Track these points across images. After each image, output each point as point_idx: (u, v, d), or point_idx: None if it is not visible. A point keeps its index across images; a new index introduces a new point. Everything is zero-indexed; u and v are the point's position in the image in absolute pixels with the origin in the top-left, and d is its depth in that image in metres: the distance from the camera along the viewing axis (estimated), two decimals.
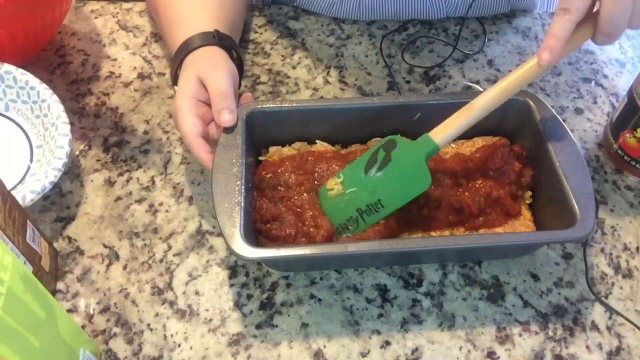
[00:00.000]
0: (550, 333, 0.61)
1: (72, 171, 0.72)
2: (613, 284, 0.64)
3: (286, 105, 0.67)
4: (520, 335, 0.61)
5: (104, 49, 0.84)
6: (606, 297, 0.63)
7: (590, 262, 0.66)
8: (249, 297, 0.63)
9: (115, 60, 0.83)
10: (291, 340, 0.60)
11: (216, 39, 0.68)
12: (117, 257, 0.65)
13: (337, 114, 0.67)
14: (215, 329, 0.61)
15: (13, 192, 0.59)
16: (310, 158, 0.65)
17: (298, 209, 0.62)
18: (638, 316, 0.62)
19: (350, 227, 0.62)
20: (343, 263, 0.65)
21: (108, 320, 0.61)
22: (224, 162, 0.61)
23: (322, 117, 0.67)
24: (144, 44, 0.85)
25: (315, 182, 0.64)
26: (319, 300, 0.63)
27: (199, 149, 0.61)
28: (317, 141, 0.69)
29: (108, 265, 0.65)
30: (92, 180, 0.71)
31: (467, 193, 0.63)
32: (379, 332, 0.61)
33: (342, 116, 0.67)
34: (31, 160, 0.70)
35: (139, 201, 0.70)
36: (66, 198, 0.70)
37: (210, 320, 0.61)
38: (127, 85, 0.80)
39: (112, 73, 0.82)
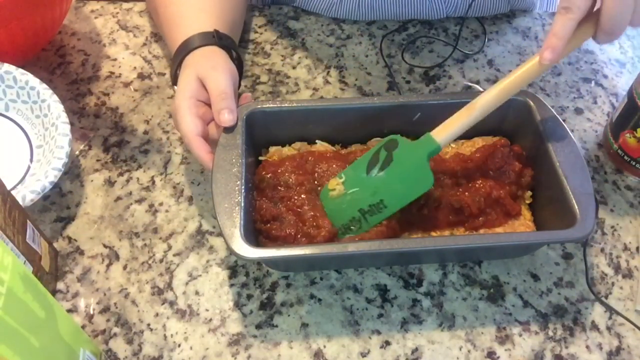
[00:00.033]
0: (550, 333, 0.61)
1: (72, 171, 0.72)
2: (613, 284, 0.64)
3: (286, 105, 0.67)
4: (520, 335, 0.61)
5: (104, 49, 0.84)
6: (606, 297, 0.63)
7: (590, 262, 0.66)
8: (249, 297, 0.63)
9: (115, 60, 0.83)
10: (291, 340, 0.60)
11: (216, 38, 0.68)
12: (117, 257, 0.65)
13: (337, 114, 0.67)
14: (215, 329, 0.61)
15: (13, 192, 0.59)
16: (310, 158, 0.65)
17: (298, 209, 0.62)
18: (638, 316, 0.62)
19: (353, 227, 0.62)
20: (343, 263, 0.65)
21: (108, 320, 0.61)
22: (224, 162, 0.61)
23: (322, 117, 0.67)
24: (144, 44, 0.85)
25: (315, 182, 0.64)
26: (319, 300, 0.63)
27: (198, 148, 0.61)
28: (317, 141, 0.69)
29: (108, 265, 0.65)
30: (92, 180, 0.71)
31: (467, 193, 0.63)
32: (379, 332, 0.61)
33: (342, 116, 0.67)
34: (31, 160, 0.70)
35: (139, 201, 0.70)
36: (66, 198, 0.70)
37: (210, 320, 0.61)
38: (127, 85, 0.80)
39: (112, 73, 0.82)
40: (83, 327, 0.61)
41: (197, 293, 0.63)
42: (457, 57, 0.84)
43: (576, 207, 0.58)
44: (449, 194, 0.63)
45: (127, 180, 0.71)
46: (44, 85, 0.71)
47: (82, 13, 0.89)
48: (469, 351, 0.60)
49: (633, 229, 0.68)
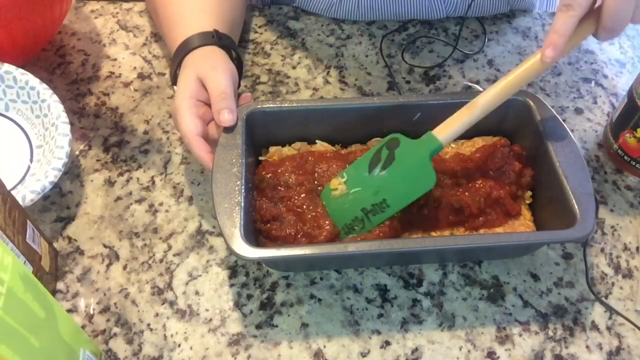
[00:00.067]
0: (550, 333, 0.61)
1: (72, 171, 0.72)
2: (613, 284, 0.64)
3: (286, 105, 0.67)
4: (520, 335, 0.61)
5: (104, 49, 0.84)
6: (606, 297, 0.63)
7: (590, 262, 0.66)
8: (249, 297, 0.63)
9: (115, 60, 0.83)
10: (291, 340, 0.60)
11: (215, 38, 0.68)
12: (117, 257, 0.65)
13: (337, 114, 0.67)
14: (215, 329, 0.61)
15: (13, 192, 0.59)
16: (310, 158, 0.65)
17: (298, 209, 0.62)
18: (638, 316, 0.62)
19: (356, 227, 0.61)
20: (343, 263, 0.65)
21: (108, 320, 0.61)
22: (224, 162, 0.61)
23: (322, 117, 0.67)
24: (144, 44, 0.85)
25: (315, 182, 0.64)
26: (319, 300, 0.63)
27: (198, 148, 0.61)
28: (317, 141, 0.69)
29: (108, 265, 0.65)
30: (92, 180, 0.71)
31: (467, 193, 0.63)
32: (379, 332, 0.61)
33: (342, 116, 0.67)
34: (31, 160, 0.70)
35: (139, 201, 0.70)
36: (66, 198, 0.70)
37: (210, 320, 0.61)
38: (127, 85, 0.80)
39: (112, 73, 0.82)
40: (83, 327, 0.61)
41: (197, 293, 0.63)
42: (457, 57, 0.84)
43: (576, 207, 0.58)
44: (449, 194, 0.63)
45: (127, 180, 0.71)
46: (44, 85, 0.71)
47: (82, 13, 0.89)
48: (469, 351, 0.60)
49: (633, 229, 0.68)
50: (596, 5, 0.55)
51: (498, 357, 0.59)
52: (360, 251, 0.57)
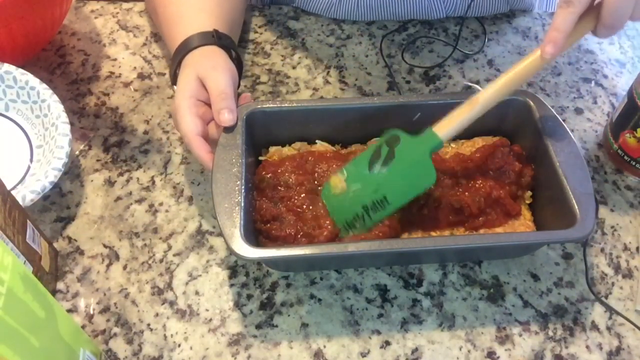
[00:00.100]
0: (550, 333, 0.61)
1: (72, 171, 0.72)
2: (613, 284, 0.64)
3: (286, 105, 0.67)
4: (520, 335, 0.61)
5: (104, 49, 0.84)
6: (606, 297, 0.63)
7: (590, 262, 0.66)
8: (249, 297, 0.63)
9: (115, 60, 0.83)
10: (291, 340, 0.60)
11: (215, 38, 0.68)
12: (117, 257, 0.65)
13: (337, 114, 0.67)
14: (215, 329, 0.61)
15: (13, 192, 0.59)
16: (310, 158, 0.65)
17: (298, 209, 0.62)
18: (638, 316, 0.62)
19: (356, 224, 0.61)
20: (343, 263, 0.65)
21: (108, 320, 0.61)
22: (224, 162, 0.61)
23: (322, 117, 0.67)
24: (144, 44, 0.85)
25: (315, 182, 0.64)
26: (319, 300, 0.63)
27: (198, 148, 0.61)
28: (317, 141, 0.69)
29: (108, 265, 0.65)
30: (92, 180, 0.71)
31: (467, 193, 0.63)
32: (379, 332, 0.61)
33: (342, 116, 0.67)
34: (31, 160, 0.70)
35: (139, 201, 0.70)
36: (66, 198, 0.70)
37: (210, 320, 0.61)
38: (127, 85, 0.80)
39: (112, 73, 0.82)
40: (83, 327, 0.61)
41: (197, 293, 0.63)
42: (457, 57, 0.84)
43: (576, 207, 0.58)
44: (449, 194, 0.63)
45: (127, 180, 0.71)
46: (44, 85, 0.71)
47: (82, 13, 0.89)
48: (469, 351, 0.60)
49: (633, 229, 0.68)
50: (596, 2, 0.55)
51: (498, 357, 0.59)
52: (360, 251, 0.57)
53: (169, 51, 0.72)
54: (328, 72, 0.82)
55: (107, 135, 0.75)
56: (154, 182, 0.71)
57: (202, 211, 0.69)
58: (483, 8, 0.88)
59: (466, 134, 0.69)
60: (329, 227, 0.61)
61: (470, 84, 0.81)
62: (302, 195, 0.63)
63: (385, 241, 0.59)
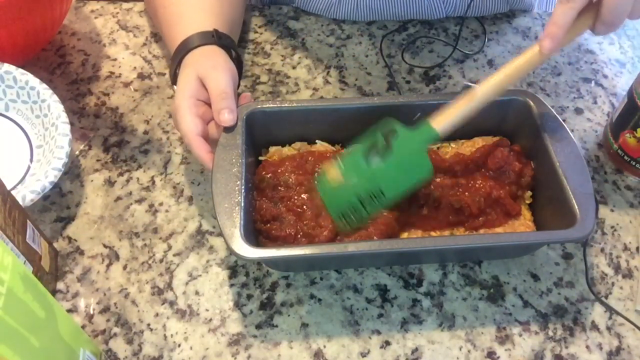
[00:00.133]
0: (550, 333, 0.61)
1: (72, 171, 0.72)
2: (613, 284, 0.64)
3: (286, 105, 0.67)
4: (520, 335, 0.61)
5: (104, 49, 0.84)
6: (606, 297, 0.63)
7: (590, 262, 0.66)
8: (249, 297, 0.63)
9: (115, 60, 0.83)
10: (291, 340, 0.60)
11: (215, 38, 0.68)
12: (117, 257, 0.65)
13: (337, 114, 0.67)
14: (215, 329, 0.61)
15: (13, 192, 0.59)
16: (310, 158, 0.65)
17: (298, 209, 0.62)
18: (638, 316, 0.62)
19: (351, 216, 0.61)
20: (343, 263, 0.65)
21: (108, 320, 0.61)
22: (224, 162, 0.61)
23: (322, 117, 0.67)
24: (144, 44, 0.85)
25: (315, 182, 0.64)
26: (319, 300, 0.63)
27: (198, 148, 0.61)
28: (317, 141, 0.69)
29: (108, 265, 0.65)
30: (92, 180, 0.71)
31: (467, 193, 0.63)
32: (379, 332, 0.61)
33: (342, 116, 0.67)
34: (31, 160, 0.70)
35: (139, 201, 0.70)
36: (66, 198, 0.70)
37: (210, 320, 0.61)
38: (127, 85, 0.80)
39: (112, 73, 0.82)
40: (83, 327, 0.61)
41: (197, 293, 0.63)
42: (457, 57, 0.84)
43: (576, 207, 0.58)
44: (449, 194, 0.63)
45: (127, 180, 0.71)
46: (44, 85, 0.71)
47: (82, 13, 0.89)
48: (469, 351, 0.60)
49: (633, 229, 0.68)
50: None
51: (498, 357, 0.59)
52: (360, 251, 0.57)
53: (169, 51, 0.72)
54: (328, 72, 0.82)
55: (107, 135, 0.75)
56: (154, 182, 0.71)
57: (202, 211, 0.69)
58: (483, 8, 0.88)
59: (466, 134, 0.69)
60: (329, 227, 0.60)
61: (470, 83, 0.80)
62: (302, 195, 0.63)
63: (385, 241, 0.59)
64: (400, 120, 0.66)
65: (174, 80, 0.69)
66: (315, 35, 0.87)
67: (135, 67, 0.82)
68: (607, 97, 0.80)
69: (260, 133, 0.67)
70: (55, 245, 0.66)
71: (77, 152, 0.73)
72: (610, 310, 0.62)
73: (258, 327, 0.61)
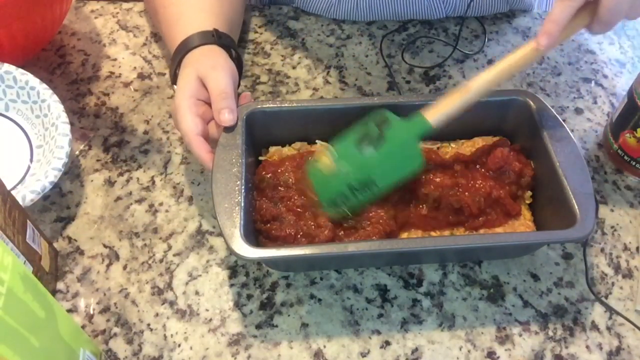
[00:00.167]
0: (550, 333, 0.61)
1: (72, 171, 0.72)
2: (613, 284, 0.64)
3: (286, 105, 0.67)
4: (520, 335, 0.61)
5: (104, 49, 0.84)
6: (606, 297, 0.63)
7: (590, 262, 0.66)
8: (249, 297, 0.63)
9: (115, 60, 0.83)
10: (291, 340, 0.60)
11: (215, 37, 0.68)
12: (117, 257, 0.65)
13: (337, 114, 0.67)
14: (215, 329, 0.61)
15: (13, 192, 0.59)
16: (310, 158, 0.65)
17: (298, 209, 0.62)
18: (638, 316, 0.62)
19: (340, 203, 0.61)
20: (343, 263, 0.65)
21: (108, 320, 0.61)
22: (224, 162, 0.61)
23: (322, 117, 0.67)
24: (144, 44, 0.85)
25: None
26: (319, 300, 0.63)
27: (198, 148, 0.61)
28: (317, 141, 0.69)
29: (108, 265, 0.65)
30: (92, 180, 0.71)
31: (467, 193, 0.63)
32: (379, 332, 0.61)
33: (342, 116, 0.67)
34: (31, 160, 0.70)
35: (139, 201, 0.70)
36: (66, 198, 0.70)
37: (210, 320, 0.61)
38: (127, 85, 0.80)
39: (112, 73, 0.82)
40: (83, 327, 0.61)
41: (197, 293, 0.63)
42: (457, 57, 0.84)
43: (576, 207, 0.58)
44: (449, 194, 0.63)
45: (127, 180, 0.71)
46: (44, 85, 0.71)
47: (82, 13, 0.89)
48: (469, 351, 0.60)
49: (633, 229, 0.68)
50: None
51: (498, 357, 0.59)
52: (360, 251, 0.57)
53: (169, 51, 0.72)
54: (328, 72, 0.82)
55: (107, 135, 0.75)
56: (154, 182, 0.71)
57: (202, 211, 0.69)
58: (483, 8, 0.88)
59: (466, 134, 0.69)
60: (329, 226, 0.60)
61: None
62: (302, 195, 0.62)
63: (385, 241, 0.59)
64: None
65: (174, 80, 0.69)
66: (315, 35, 0.87)
67: (135, 67, 0.82)
68: (607, 97, 0.80)
69: (260, 133, 0.67)
70: (55, 245, 0.66)
71: (77, 152, 0.73)
72: (610, 310, 0.62)
73: (258, 327, 0.61)
